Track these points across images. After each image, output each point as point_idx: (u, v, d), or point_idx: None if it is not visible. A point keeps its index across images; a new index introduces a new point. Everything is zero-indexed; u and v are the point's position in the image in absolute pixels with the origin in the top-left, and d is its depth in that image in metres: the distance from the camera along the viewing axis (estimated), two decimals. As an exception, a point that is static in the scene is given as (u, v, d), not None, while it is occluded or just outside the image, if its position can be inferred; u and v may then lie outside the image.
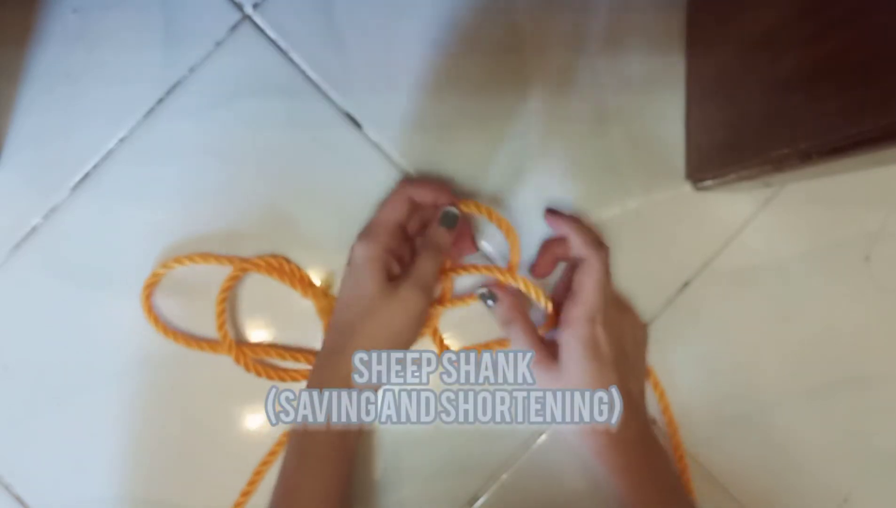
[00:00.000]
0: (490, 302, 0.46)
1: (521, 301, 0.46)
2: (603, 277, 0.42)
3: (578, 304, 0.41)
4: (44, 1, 0.49)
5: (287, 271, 0.47)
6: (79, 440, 0.47)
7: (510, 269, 0.46)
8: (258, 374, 0.46)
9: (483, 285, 0.46)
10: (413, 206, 0.44)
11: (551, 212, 0.47)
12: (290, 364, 0.47)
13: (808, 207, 0.48)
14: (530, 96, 0.48)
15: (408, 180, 0.46)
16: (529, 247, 0.48)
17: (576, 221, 0.46)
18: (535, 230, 0.48)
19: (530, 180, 0.48)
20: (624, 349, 0.43)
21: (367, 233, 0.43)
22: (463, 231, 0.45)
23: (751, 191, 0.48)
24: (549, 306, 0.44)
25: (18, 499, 0.47)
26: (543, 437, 0.47)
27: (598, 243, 0.44)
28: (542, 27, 0.49)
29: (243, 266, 0.46)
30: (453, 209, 0.44)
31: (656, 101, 0.48)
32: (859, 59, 0.29)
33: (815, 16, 0.33)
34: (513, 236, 0.46)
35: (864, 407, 0.47)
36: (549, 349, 0.43)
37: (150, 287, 0.47)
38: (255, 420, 0.47)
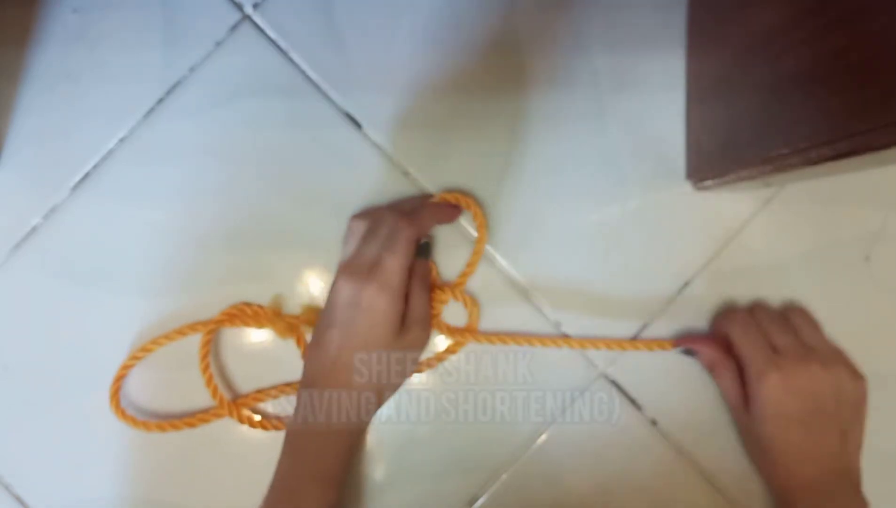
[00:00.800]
0: (691, 356, 0.46)
1: (723, 346, 0.45)
2: (749, 332, 0.43)
3: (749, 365, 0.42)
4: (44, 1, 0.49)
5: (250, 314, 0.46)
6: (79, 440, 0.47)
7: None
8: (264, 429, 0.47)
9: (679, 341, 0.46)
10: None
11: (684, 341, 0.46)
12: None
13: (808, 207, 0.48)
14: (530, 96, 0.48)
15: (407, 221, 0.43)
16: (525, 245, 0.48)
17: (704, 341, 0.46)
18: (533, 233, 0.48)
19: (530, 180, 0.48)
20: (820, 405, 0.42)
21: (383, 285, 0.40)
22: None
23: (751, 191, 0.48)
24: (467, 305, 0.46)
25: (18, 499, 0.47)
26: (543, 437, 0.47)
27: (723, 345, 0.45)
28: (542, 27, 0.49)
29: (210, 328, 0.46)
30: (426, 240, 0.46)
31: (656, 101, 0.48)
32: (859, 59, 0.29)
33: (815, 16, 0.33)
34: (474, 309, 0.47)
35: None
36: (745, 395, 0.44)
37: (120, 380, 0.46)
38: (255, 420, 0.47)
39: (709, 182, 0.46)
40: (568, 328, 0.48)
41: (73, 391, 0.47)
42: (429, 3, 0.49)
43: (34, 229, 0.48)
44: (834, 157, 0.32)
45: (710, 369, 0.46)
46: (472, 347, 0.47)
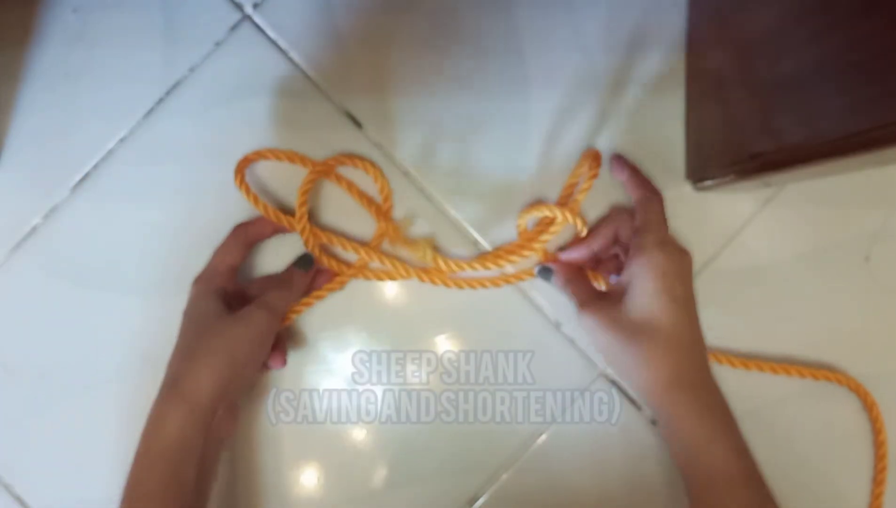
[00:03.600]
0: (549, 278, 0.45)
1: (575, 268, 0.45)
2: (664, 211, 0.42)
3: (647, 232, 0.41)
4: (44, 1, 0.49)
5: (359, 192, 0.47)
6: (79, 441, 0.47)
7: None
8: (322, 264, 0.46)
9: (537, 264, 0.46)
10: (250, 247, 0.46)
11: (619, 158, 0.47)
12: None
13: (808, 207, 0.48)
14: (530, 96, 0.48)
15: (242, 224, 0.45)
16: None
17: (636, 169, 0.46)
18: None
19: (530, 180, 0.48)
20: (691, 287, 0.41)
21: (201, 277, 0.43)
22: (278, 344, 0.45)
23: (751, 191, 0.48)
24: (580, 225, 0.44)
25: (18, 499, 0.47)
26: (543, 437, 0.47)
27: (654, 188, 0.44)
28: (542, 27, 0.49)
29: (322, 169, 0.46)
30: (310, 254, 0.45)
31: (656, 101, 0.48)
32: (859, 59, 0.29)
33: (815, 16, 0.33)
34: (381, 178, 0.47)
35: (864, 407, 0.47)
36: (608, 297, 0.42)
37: (246, 162, 0.46)
38: (255, 420, 0.47)
39: (708, 182, 0.46)
40: (569, 329, 0.48)
41: (73, 391, 0.47)
42: (429, 2, 0.49)
43: (34, 229, 0.48)
44: (834, 157, 0.32)
45: (565, 284, 0.44)
46: (471, 347, 0.47)
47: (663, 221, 0.42)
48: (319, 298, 0.46)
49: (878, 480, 0.45)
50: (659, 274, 0.39)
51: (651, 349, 0.38)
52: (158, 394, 0.39)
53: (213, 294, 0.42)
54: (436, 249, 0.47)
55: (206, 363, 0.39)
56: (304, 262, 0.46)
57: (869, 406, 0.46)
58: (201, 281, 0.43)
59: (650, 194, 0.43)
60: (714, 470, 0.36)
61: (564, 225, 0.43)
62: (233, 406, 0.41)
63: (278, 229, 0.46)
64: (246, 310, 0.41)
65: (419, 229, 0.48)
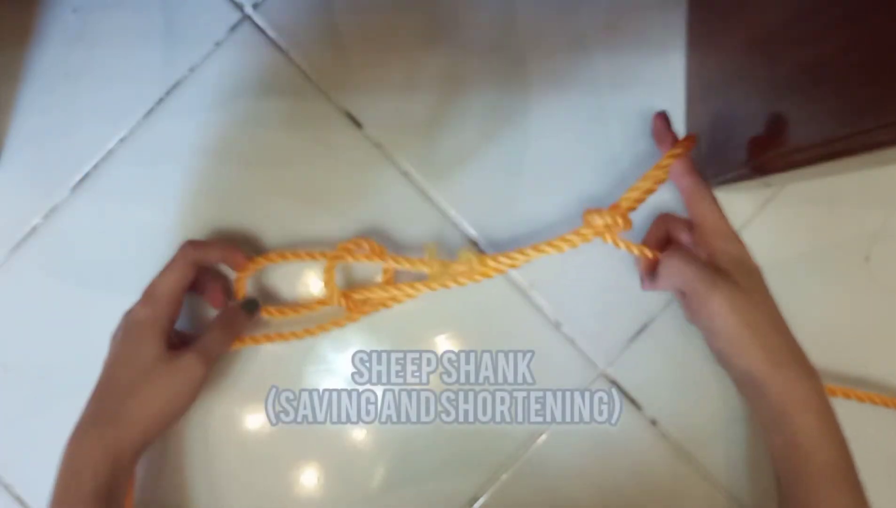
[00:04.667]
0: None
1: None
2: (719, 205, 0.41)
3: (715, 222, 0.40)
4: (44, 1, 0.49)
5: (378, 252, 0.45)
6: (79, 440, 0.47)
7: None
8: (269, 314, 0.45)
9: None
10: (198, 269, 0.42)
11: (663, 117, 0.44)
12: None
13: (808, 207, 0.48)
14: (530, 96, 0.48)
15: (192, 242, 0.43)
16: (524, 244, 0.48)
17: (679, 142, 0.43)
18: (533, 232, 0.48)
19: (530, 179, 0.48)
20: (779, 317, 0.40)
21: (145, 298, 0.41)
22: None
23: (751, 191, 0.48)
24: (647, 253, 0.42)
25: (18, 499, 0.47)
26: (543, 437, 0.47)
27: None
28: (542, 26, 0.49)
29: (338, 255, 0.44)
30: (256, 301, 0.45)
31: (656, 101, 0.48)
32: (859, 59, 0.29)
33: (815, 16, 0.33)
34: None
35: (865, 407, 0.47)
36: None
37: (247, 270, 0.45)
38: (255, 420, 0.47)
39: (709, 182, 0.46)
40: (569, 329, 0.48)
41: (73, 391, 0.47)
42: (429, 2, 0.49)
43: (34, 229, 0.48)
44: (833, 156, 0.32)
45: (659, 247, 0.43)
46: (471, 347, 0.47)
47: (724, 220, 0.41)
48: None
49: None
50: (742, 322, 0.38)
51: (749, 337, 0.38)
52: (79, 430, 0.38)
53: (154, 332, 0.39)
54: (476, 254, 0.43)
55: (139, 414, 0.37)
56: (251, 306, 0.45)
57: None
58: (144, 303, 0.40)
59: (699, 178, 0.41)
60: (827, 467, 0.36)
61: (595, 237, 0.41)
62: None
63: (228, 262, 0.44)
64: (185, 359, 0.39)
65: (418, 230, 0.48)
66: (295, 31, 0.48)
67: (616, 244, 0.40)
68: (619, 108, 0.48)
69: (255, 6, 0.49)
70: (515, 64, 0.48)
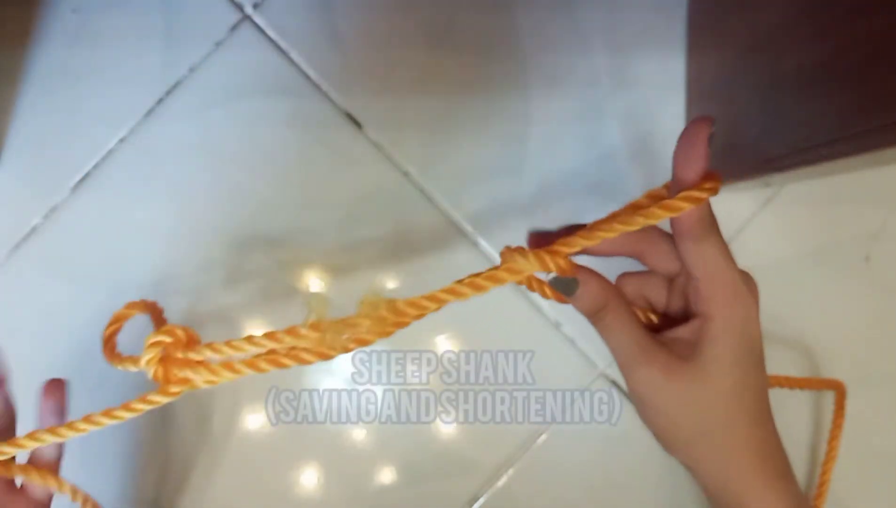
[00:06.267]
0: (571, 290, 0.30)
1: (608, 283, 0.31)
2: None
3: (727, 280, 0.28)
4: (44, 1, 0.49)
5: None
6: (79, 441, 0.47)
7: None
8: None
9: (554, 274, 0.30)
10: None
11: (705, 124, 0.26)
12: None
13: (808, 207, 0.48)
14: (531, 96, 0.48)
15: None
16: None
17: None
18: (529, 226, 0.48)
19: (530, 179, 0.48)
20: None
21: None
22: None
23: (751, 191, 0.48)
24: (654, 319, 0.31)
25: (18, 499, 0.47)
26: (543, 437, 0.47)
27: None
28: (542, 27, 0.49)
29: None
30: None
31: (656, 101, 0.48)
32: (859, 59, 0.29)
33: (815, 16, 0.33)
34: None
35: (864, 407, 0.47)
36: (665, 346, 0.28)
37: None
38: (255, 420, 0.47)
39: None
40: (569, 329, 0.48)
41: (72, 392, 0.47)
42: (429, 2, 0.49)
43: (34, 229, 0.48)
44: (834, 157, 0.32)
45: (596, 310, 0.30)
46: (471, 347, 0.47)
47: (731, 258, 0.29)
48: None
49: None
50: (743, 336, 0.27)
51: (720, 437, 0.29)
52: None
53: None
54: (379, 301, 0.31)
55: None
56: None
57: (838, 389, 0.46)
58: None
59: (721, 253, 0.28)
60: None
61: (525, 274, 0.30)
62: None
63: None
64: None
65: (420, 231, 0.48)
66: (295, 31, 0.48)
67: (543, 295, 0.31)
68: (619, 108, 0.48)
69: (255, 6, 0.49)
70: (515, 64, 0.48)
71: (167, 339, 0.30)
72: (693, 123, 0.27)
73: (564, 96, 0.48)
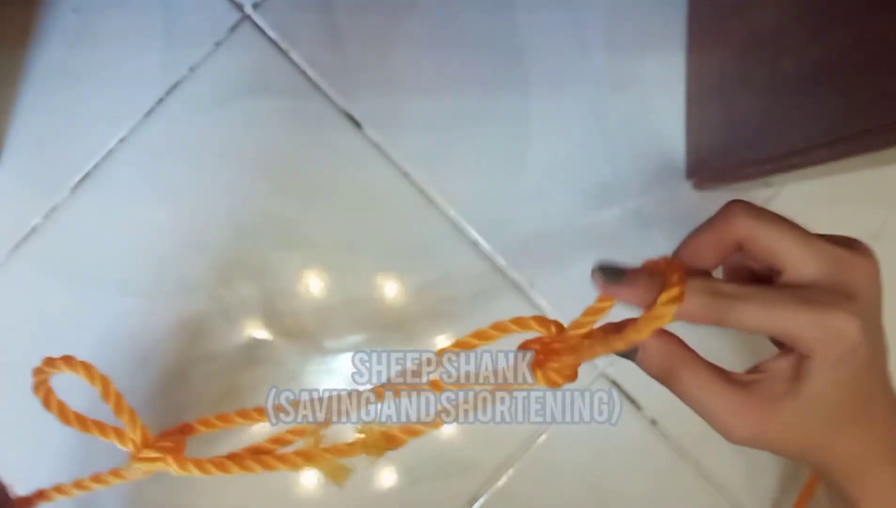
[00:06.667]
0: (632, 355, 0.30)
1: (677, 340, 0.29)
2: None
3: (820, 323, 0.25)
4: (44, 1, 0.49)
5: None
6: (79, 441, 0.47)
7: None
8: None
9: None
10: None
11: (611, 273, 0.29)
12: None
13: (808, 207, 0.48)
14: (530, 96, 0.48)
15: None
16: (524, 244, 0.48)
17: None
18: (532, 232, 0.48)
19: (530, 180, 0.48)
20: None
21: None
22: None
23: (751, 191, 0.48)
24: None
25: (18, 499, 0.47)
26: (543, 437, 0.47)
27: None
28: (542, 27, 0.49)
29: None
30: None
31: (656, 101, 0.48)
32: (859, 59, 0.29)
33: (816, 16, 0.33)
34: None
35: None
36: (754, 391, 0.26)
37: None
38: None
39: (709, 182, 0.46)
40: (568, 328, 0.48)
41: (72, 392, 0.47)
42: (429, 2, 0.49)
43: (34, 229, 0.48)
44: (834, 157, 0.32)
45: (665, 374, 0.28)
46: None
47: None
48: None
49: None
50: (844, 360, 0.25)
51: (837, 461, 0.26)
52: None
53: None
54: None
55: None
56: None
57: None
58: None
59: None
60: None
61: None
62: None
63: None
64: None
65: (417, 229, 0.48)
66: (295, 31, 0.48)
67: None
68: (619, 108, 0.48)
69: (255, 6, 0.49)
70: (515, 64, 0.48)
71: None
72: (594, 274, 0.28)
73: (564, 96, 0.48)
